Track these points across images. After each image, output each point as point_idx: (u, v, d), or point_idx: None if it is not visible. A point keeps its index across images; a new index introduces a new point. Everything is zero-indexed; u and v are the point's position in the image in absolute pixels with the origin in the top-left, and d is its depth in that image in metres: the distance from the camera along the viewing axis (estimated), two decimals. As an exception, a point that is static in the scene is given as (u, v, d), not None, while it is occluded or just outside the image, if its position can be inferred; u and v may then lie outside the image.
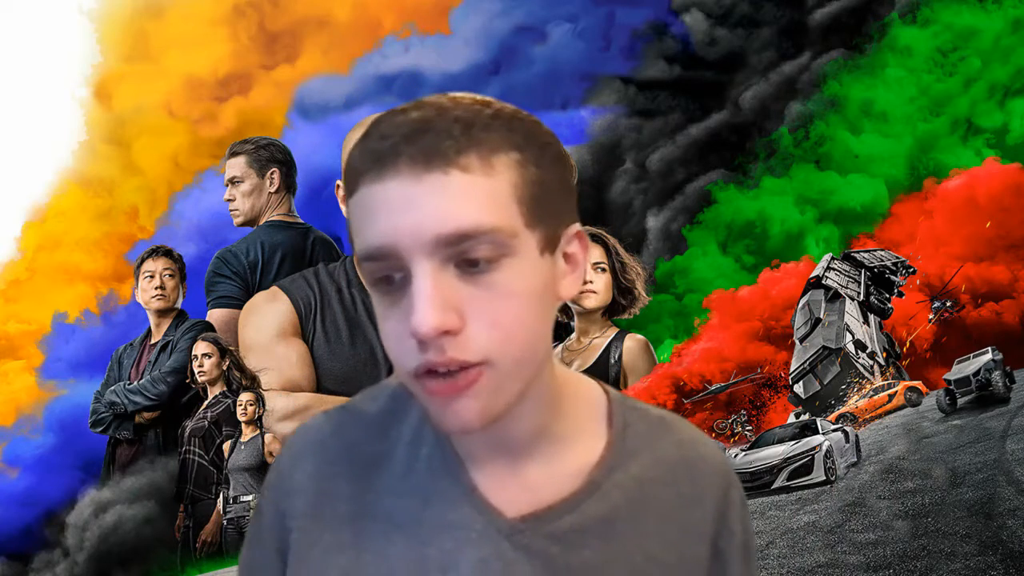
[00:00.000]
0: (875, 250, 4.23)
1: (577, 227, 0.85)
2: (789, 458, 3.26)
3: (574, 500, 0.86)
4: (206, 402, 3.62)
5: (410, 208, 0.76)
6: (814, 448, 3.25)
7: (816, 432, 3.36)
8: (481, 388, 0.78)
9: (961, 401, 3.54)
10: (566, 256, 0.84)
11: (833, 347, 3.72)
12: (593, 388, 0.92)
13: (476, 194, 0.76)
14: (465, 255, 0.76)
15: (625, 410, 0.91)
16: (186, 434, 3.62)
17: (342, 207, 2.83)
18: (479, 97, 0.82)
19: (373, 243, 0.77)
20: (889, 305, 3.97)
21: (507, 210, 0.77)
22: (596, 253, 3.17)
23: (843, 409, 3.63)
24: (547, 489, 0.87)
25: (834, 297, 3.84)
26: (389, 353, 0.82)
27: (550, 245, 0.81)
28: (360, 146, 0.79)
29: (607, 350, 3.23)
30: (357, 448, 0.90)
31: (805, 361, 3.74)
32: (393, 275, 0.78)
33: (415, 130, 0.77)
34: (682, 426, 0.93)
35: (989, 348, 3.66)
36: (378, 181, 0.77)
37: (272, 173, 3.71)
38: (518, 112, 0.82)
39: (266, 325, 2.81)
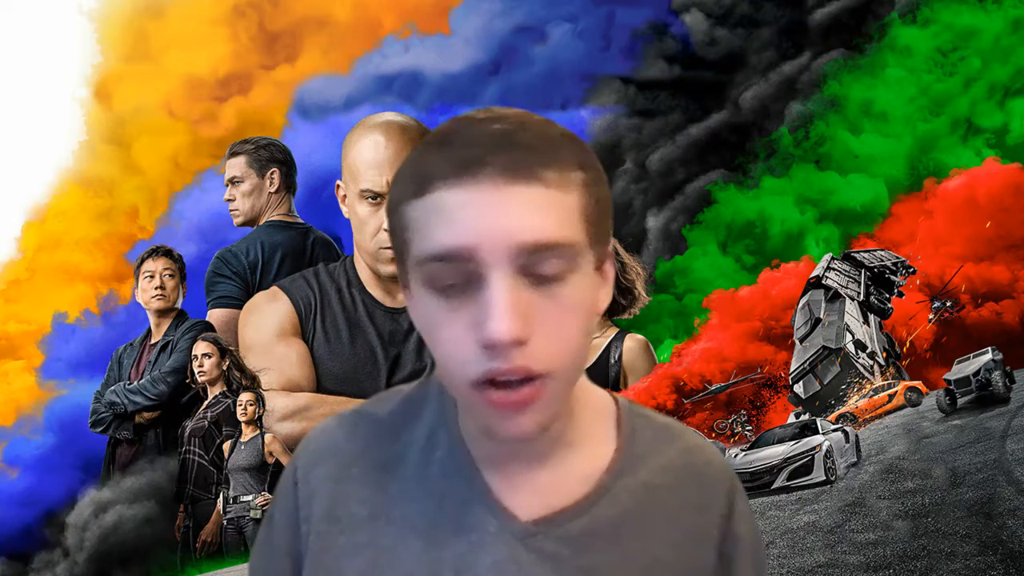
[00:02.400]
0: (875, 250, 4.23)
1: (613, 242, 0.87)
2: (789, 458, 3.26)
3: (585, 503, 0.88)
4: (206, 402, 3.62)
5: (495, 214, 0.77)
6: (814, 448, 3.25)
7: (816, 432, 3.36)
8: (542, 402, 0.80)
9: (961, 401, 3.53)
10: (601, 272, 0.86)
11: (833, 347, 3.72)
12: (602, 395, 0.94)
13: (555, 209, 0.78)
14: (537, 267, 0.78)
15: (633, 417, 0.93)
16: (186, 434, 3.62)
17: (342, 207, 2.83)
18: (538, 116, 0.84)
19: (448, 244, 0.78)
20: (889, 305, 3.96)
21: (577, 227, 0.80)
22: (596, 253, 3.17)
23: (843, 409, 3.63)
24: (559, 493, 0.88)
25: (834, 297, 3.84)
26: (444, 360, 0.82)
27: (600, 262, 0.84)
28: (437, 152, 0.80)
29: (607, 350, 3.22)
30: (370, 451, 0.91)
31: (805, 361, 3.74)
32: (457, 282, 0.79)
33: (502, 142, 0.78)
34: (687, 433, 0.95)
35: (989, 348, 3.66)
36: (459, 185, 0.78)
37: (272, 173, 3.71)
38: (574, 134, 0.84)
39: (266, 325, 2.81)
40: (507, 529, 0.86)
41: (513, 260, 0.77)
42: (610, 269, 0.87)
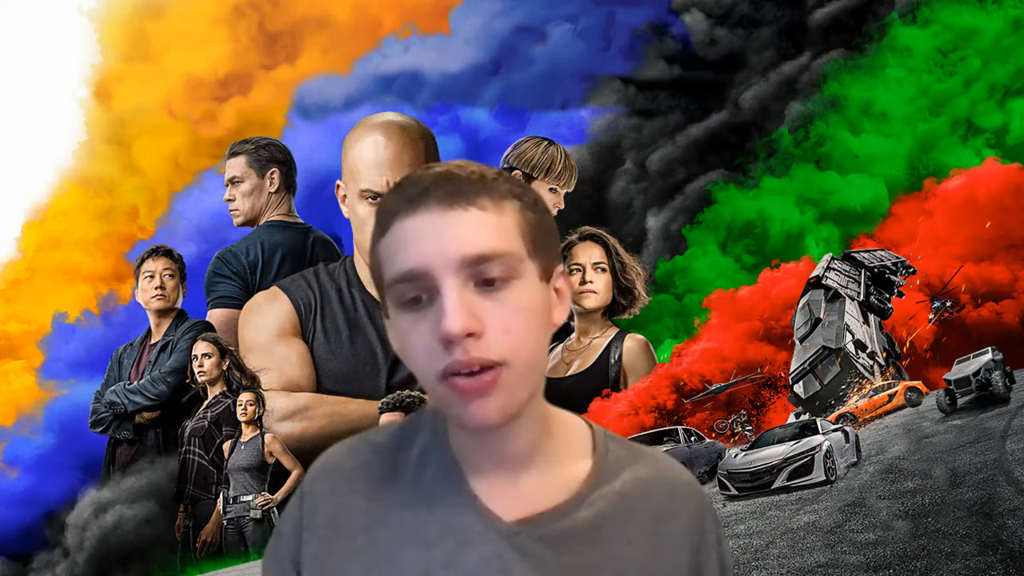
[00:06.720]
0: (875, 250, 4.23)
1: (562, 267, 1.03)
2: (789, 458, 3.26)
3: (565, 508, 1.00)
4: (206, 402, 3.62)
5: (439, 236, 0.94)
6: (814, 448, 3.25)
7: (816, 432, 3.36)
8: (500, 387, 0.93)
9: (961, 401, 3.53)
10: (555, 290, 1.01)
11: (833, 347, 3.72)
12: (577, 420, 1.08)
13: (491, 226, 0.95)
14: (483, 275, 0.93)
15: (607, 439, 1.06)
16: (186, 434, 3.63)
17: (342, 207, 2.83)
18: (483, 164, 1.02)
19: (406, 266, 0.94)
20: (889, 305, 3.96)
21: (515, 241, 0.96)
22: (596, 253, 3.17)
23: (843, 409, 3.63)
24: (541, 498, 1.00)
25: (834, 297, 3.84)
26: (416, 365, 0.96)
27: (546, 275, 0.99)
28: (393, 194, 0.98)
29: (607, 350, 3.23)
30: (369, 468, 1.03)
31: (805, 361, 3.74)
32: (421, 296, 0.94)
33: (441, 178, 0.96)
34: (658, 453, 1.09)
35: (989, 348, 3.65)
36: (410, 217, 0.95)
37: (272, 173, 3.71)
38: (512, 177, 1.01)
39: (266, 325, 2.82)
40: (492, 529, 0.97)
41: (460, 271, 0.93)
42: (564, 289, 1.02)
